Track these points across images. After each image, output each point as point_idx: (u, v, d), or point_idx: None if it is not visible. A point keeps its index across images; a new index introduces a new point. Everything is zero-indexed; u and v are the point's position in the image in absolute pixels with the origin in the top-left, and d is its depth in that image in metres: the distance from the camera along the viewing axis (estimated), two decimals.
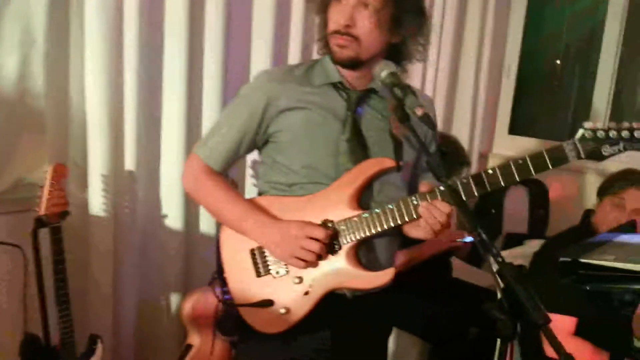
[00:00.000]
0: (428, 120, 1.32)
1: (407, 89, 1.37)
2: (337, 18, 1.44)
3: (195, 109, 2.56)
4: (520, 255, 2.43)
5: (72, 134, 2.26)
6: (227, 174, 2.39)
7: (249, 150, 1.59)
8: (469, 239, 2.68)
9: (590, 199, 3.31)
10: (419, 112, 1.32)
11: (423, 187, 1.44)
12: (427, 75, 3.51)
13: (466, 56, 3.60)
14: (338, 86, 1.53)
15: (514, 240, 3.43)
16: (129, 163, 2.37)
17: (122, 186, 2.36)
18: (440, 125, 3.47)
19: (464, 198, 1.41)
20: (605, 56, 3.52)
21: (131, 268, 2.47)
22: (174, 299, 2.61)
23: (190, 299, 2.43)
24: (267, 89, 1.52)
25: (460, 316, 2.65)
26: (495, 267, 1.10)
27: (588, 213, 2.40)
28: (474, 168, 3.74)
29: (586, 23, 3.75)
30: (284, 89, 1.51)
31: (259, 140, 1.57)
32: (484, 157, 3.87)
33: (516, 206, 3.62)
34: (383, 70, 1.42)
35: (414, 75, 3.42)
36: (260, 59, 2.69)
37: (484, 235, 1.12)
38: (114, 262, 2.39)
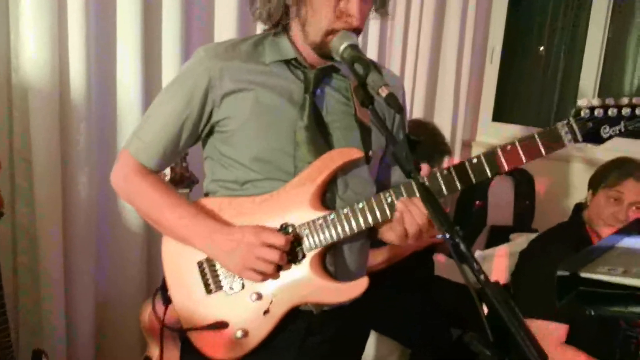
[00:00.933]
0: (394, 101, 1.10)
1: (370, 65, 1.16)
2: (343, 14, 1.22)
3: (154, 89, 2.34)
4: (506, 254, 2.26)
5: (16, 124, 2.07)
6: (187, 168, 2.24)
7: (191, 142, 1.36)
8: None
9: (578, 189, 3.20)
10: (384, 92, 1.11)
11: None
12: (407, 60, 3.35)
13: (448, 40, 3.46)
14: (293, 64, 1.31)
15: (499, 233, 3.30)
16: (79, 152, 2.17)
17: (72, 179, 2.18)
18: (421, 113, 3.37)
19: (445, 192, 1.21)
20: (592, 39, 3.40)
21: (86, 271, 2.29)
22: (136, 305, 2.41)
23: (148, 307, 2.23)
24: (208, 68, 1.29)
25: (443, 317, 2.49)
26: (474, 283, 0.91)
27: (579, 207, 2.23)
28: (457, 157, 3.62)
29: (572, 6, 3.61)
30: (227, 68, 1.29)
31: (201, 129, 1.34)
32: (467, 145, 3.75)
33: (501, 197, 3.49)
34: (342, 43, 1.20)
35: (394, 61, 3.28)
36: (224, 19, 2.49)
37: (462, 247, 0.92)
38: (65, 264, 2.21)
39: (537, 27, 3.80)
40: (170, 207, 1.32)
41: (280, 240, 1.23)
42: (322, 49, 1.26)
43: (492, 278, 2.26)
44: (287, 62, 1.31)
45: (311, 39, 1.26)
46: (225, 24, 2.50)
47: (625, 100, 1.18)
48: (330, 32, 1.23)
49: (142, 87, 2.29)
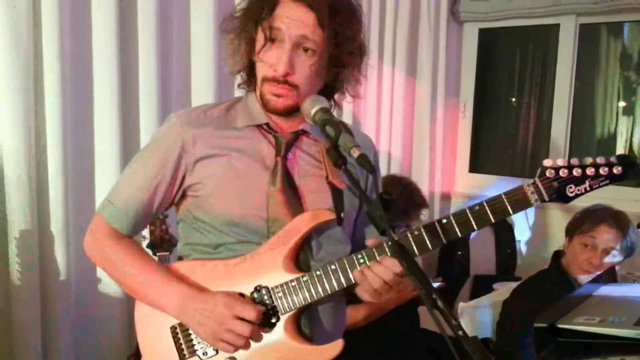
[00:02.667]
0: (366, 162, 1.13)
1: (341, 127, 1.18)
2: (272, 63, 1.25)
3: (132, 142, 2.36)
4: (489, 304, 2.25)
5: None
6: (167, 230, 2.21)
7: (164, 206, 1.36)
8: (436, 284, 2.51)
9: (557, 234, 3.22)
10: (355, 153, 1.14)
11: (371, 242, 1.25)
12: (382, 118, 3.43)
13: (420, 97, 3.56)
14: (264, 128, 1.34)
15: (483, 283, 3.28)
16: (56, 218, 2.15)
17: (49, 246, 2.15)
18: (398, 169, 3.41)
19: (416, 252, 1.23)
20: (559, 88, 3.52)
21: (64, 342, 2.24)
22: None
23: None
24: (181, 134, 1.31)
25: None
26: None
27: (557, 254, 2.25)
28: (437, 208, 3.64)
29: (538, 59, 3.75)
30: (200, 134, 1.31)
31: (174, 194, 1.34)
32: (446, 197, 3.80)
33: (482, 247, 3.50)
34: (313, 107, 1.23)
35: (369, 120, 3.35)
36: (201, 79, 2.53)
37: (440, 303, 0.92)
38: (43, 336, 2.16)
39: (507, 80, 3.92)
40: (142, 273, 1.30)
41: (251, 313, 1.22)
42: (264, 102, 1.30)
43: (478, 330, 2.23)
44: (259, 127, 1.33)
45: (259, 91, 1.30)
46: (202, 84, 2.55)
47: (589, 160, 1.21)
48: (264, 80, 1.27)
49: (119, 151, 2.29)
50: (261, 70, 1.28)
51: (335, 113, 1.36)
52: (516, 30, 3.76)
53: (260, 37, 1.26)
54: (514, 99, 3.91)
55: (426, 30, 3.48)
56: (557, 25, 3.48)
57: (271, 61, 1.25)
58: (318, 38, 1.23)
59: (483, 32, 3.77)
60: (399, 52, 3.42)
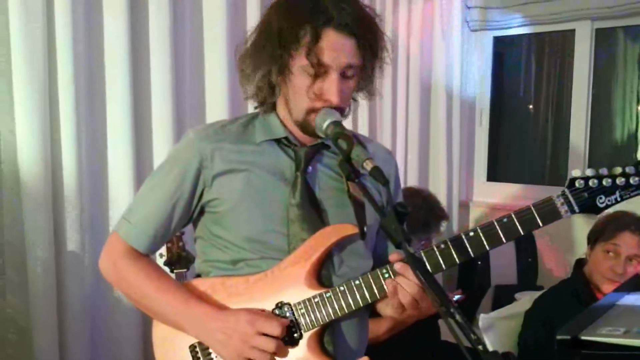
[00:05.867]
0: (379, 174, 1.11)
1: (353, 140, 1.18)
2: (320, 94, 1.23)
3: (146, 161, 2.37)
4: (511, 315, 2.22)
5: (6, 215, 2.05)
6: (184, 247, 2.22)
7: (182, 224, 1.36)
8: (456, 297, 2.49)
9: (580, 243, 3.18)
10: (368, 165, 1.13)
11: (393, 257, 1.23)
12: (397, 128, 3.42)
13: (436, 106, 3.55)
14: (283, 142, 1.33)
15: (504, 293, 3.25)
16: (73, 240, 2.15)
17: (63, 267, 2.15)
18: (416, 179, 3.39)
19: (443, 266, 1.21)
20: (577, 94, 3.49)
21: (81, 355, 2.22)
22: None
23: None
24: (199, 149, 1.30)
25: None
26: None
27: (580, 262, 2.21)
28: (455, 218, 3.61)
29: (554, 65, 3.72)
30: (218, 149, 1.30)
31: (192, 210, 1.34)
32: (464, 205, 3.77)
33: (502, 256, 3.46)
34: (325, 120, 1.22)
35: (384, 131, 3.34)
36: (215, 97, 2.53)
37: (458, 317, 0.91)
38: (60, 351, 2.15)
39: (523, 87, 3.90)
40: (160, 293, 1.29)
41: (276, 328, 1.21)
42: (305, 127, 1.28)
43: (500, 342, 2.19)
44: (278, 141, 1.33)
45: (295, 117, 1.29)
46: (216, 104, 2.56)
47: (618, 170, 1.19)
48: (311, 110, 1.25)
49: (133, 172, 2.30)
50: (304, 102, 1.25)
51: (351, 120, 1.37)
52: (531, 37, 3.75)
53: (300, 70, 1.22)
54: (531, 106, 3.88)
55: (440, 39, 3.48)
56: (573, 31, 3.46)
57: (318, 93, 1.23)
58: (357, 62, 1.24)
59: (498, 40, 3.77)
60: (413, 61, 3.42)
